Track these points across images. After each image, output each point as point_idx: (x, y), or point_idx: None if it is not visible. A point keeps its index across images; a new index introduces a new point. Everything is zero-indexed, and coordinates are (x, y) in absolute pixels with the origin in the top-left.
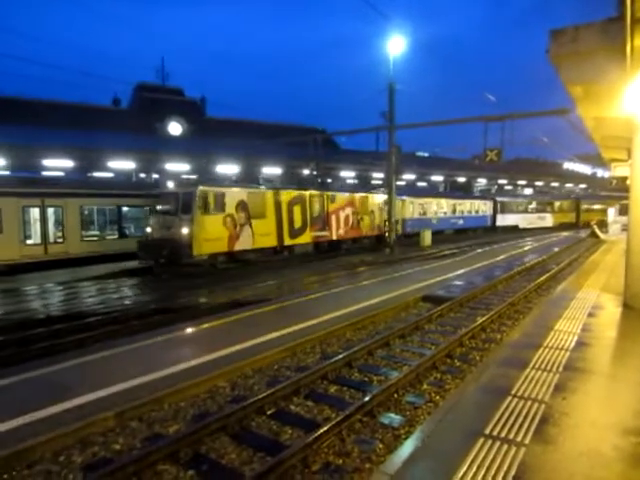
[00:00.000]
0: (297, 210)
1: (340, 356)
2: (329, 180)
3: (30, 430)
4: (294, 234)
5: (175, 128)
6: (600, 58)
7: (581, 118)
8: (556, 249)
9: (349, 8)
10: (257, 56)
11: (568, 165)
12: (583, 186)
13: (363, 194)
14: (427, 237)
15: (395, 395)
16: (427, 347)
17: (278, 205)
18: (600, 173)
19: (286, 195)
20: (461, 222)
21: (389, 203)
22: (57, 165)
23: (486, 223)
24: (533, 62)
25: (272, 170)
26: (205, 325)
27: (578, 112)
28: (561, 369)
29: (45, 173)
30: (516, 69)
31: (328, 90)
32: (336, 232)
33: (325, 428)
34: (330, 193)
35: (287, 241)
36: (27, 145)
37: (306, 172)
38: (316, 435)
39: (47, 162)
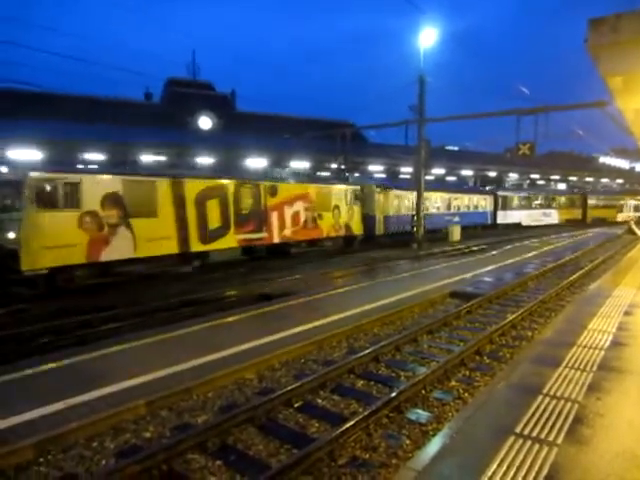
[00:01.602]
0: (213, 205)
1: (367, 351)
2: (356, 174)
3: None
4: (209, 237)
5: (205, 122)
6: None
7: (620, 110)
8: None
9: (380, 1)
10: (287, 50)
11: (604, 159)
12: (620, 181)
13: (322, 185)
14: (456, 232)
15: (423, 391)
16: (455, 343)
17: (180, 199)
18: (638, 168)
19: (193, 185)
20: (457, 219)
21: (417, 198)
22: (93, 159)
23: (486, 220)
24: (569, 53)
25: (300, 164)
26: None
27: (617, 104)
28: (595, 368)
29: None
30: (551, 60)
31: (358, 84)
32: (279, 233)
33: (352, 422)
34: (269, 184)
35: (196, 246)
36: (65, 140)
37: (334, 166)
38: (343, 429)
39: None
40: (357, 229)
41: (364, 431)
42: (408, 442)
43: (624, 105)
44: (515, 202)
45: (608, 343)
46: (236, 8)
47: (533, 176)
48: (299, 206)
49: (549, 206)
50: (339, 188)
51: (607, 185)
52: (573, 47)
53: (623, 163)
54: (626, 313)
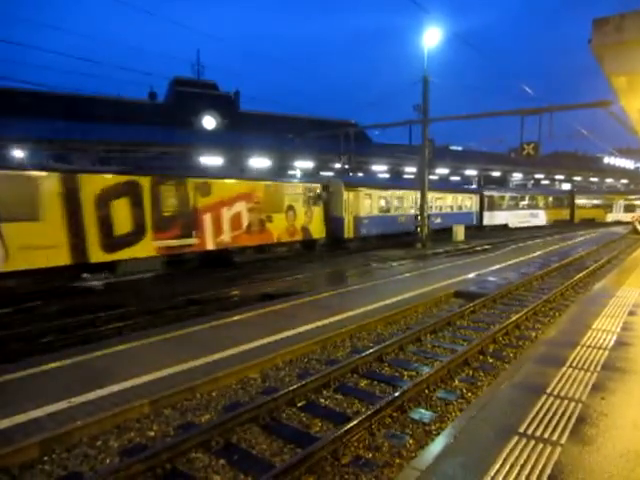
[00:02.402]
0: (122, 206)
1: (371, 350)
2: (360, 174)
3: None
4: (115, 244)
5: (209, 122)
6: None
7: (624, 110)
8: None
9: (383, 1)
10: (291, 49)
11: (609, 159)
12: (624, 181)
13: (271, 182)
14: (460, 232)
15: (426, 391)
16: (459, 343)
17: (73, 198)
18: None
19: (92, 182)
20: (439, 221)
21: (421, 198)
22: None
23: (471, 221)
24: (573, 52)
25: (304, 164)
26: None
27: (621, 104)
28: (599, 368)
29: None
30: (555, 60)
31: (361, 83)
32: (215, 239)
33: (355, 422)
34: (200, 180)
35: (98, 256)
36: (67, 139)
37: (338, 166)
38: (346, 428)
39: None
40: (317, 232)
41: (367, 430)
42: (411, 442)
43: (628, 105)
44: (502, 202)
45: (612, 343)
46: (240, 7)
47: (537, 176)
48: (241, 207)
49: (537, 206)
50: (294, 186)
51: (612, 185)
52: (577, 47)
53: (628, 163)
54: (630, 313)
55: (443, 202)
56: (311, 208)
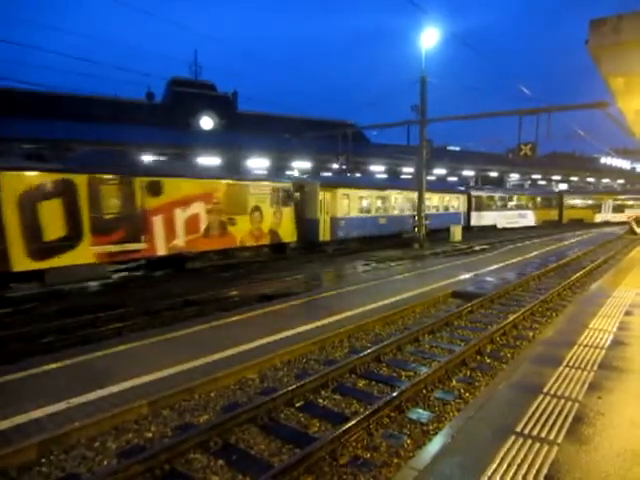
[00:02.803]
0: (53, 207)
1: (369, 350)
2: (358, 174)
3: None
4: (46, 250)
5: (207, 122)
6: None
7: (621, 111)
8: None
9: (381, 1)
10: (288, 51)
11: (605, 160)
12: (621, 181)
13: (233, 182)
14: (457, 233)
15: (424, 391)
16: (457, 343)
17: None
18: (639, 168)
19: (15, 180)
20: (429, 222)
21: (419, 199)
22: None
23: (458, 222)
24: (571, 53)
25: (302, 164)
26: None
27: (618, 105)
28: (596, 368)
29: None
30: (553, 61)
31: (359, 84)
32: (167, 243)
33: (353, 422)
34: (147, 179)
35: (23, 264)
36: (65, 139)
37: (336, 166)
38: (344, 428)
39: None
40: (288, 235)
41: (365, 430)
42: (409, 441)
43: (625, 106)
44: (490, 202)
45: (609, 342)
46: (239, 8)
47: (534, 177)
48: (198, 208)
49: (525, 206)
50: (260, 185)
51: (608, 185)
52: (575, 47)
53: (624, 163)
54: (627, 313)
55: (429, 202)
56: (280, 209)
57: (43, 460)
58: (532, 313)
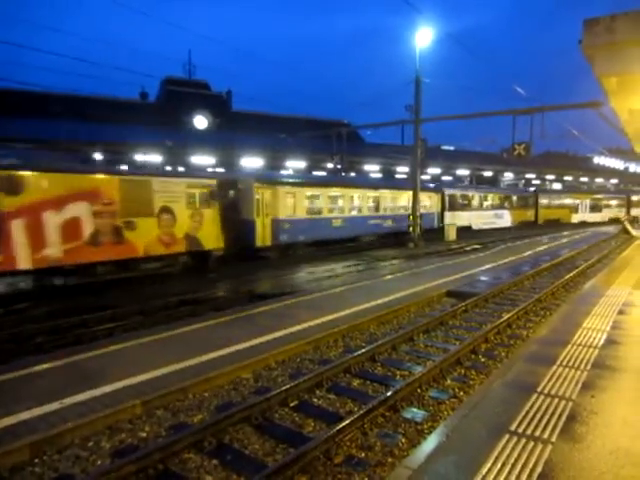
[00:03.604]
0: None
1: (363, 350)
2: (352, 174)
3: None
4: None
5: (201, 122)
6: (638, 48)
7: (614, 111)
8: None
9: (377, 1)
10: (284, 49)
11: (599, 159)
12: (614, 181)
13: (130, 177)
14: (452, 232)
15: (419, 390)
16: (451, 342)
17: None
18: (633, 168)
19: None
20: (389, 223)
21: (414, 198)
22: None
23: (432, 224)
24: (564, 53)
25: (296, 164)
26: None
27: (611, 105)
28: (589, 367)
29: None
30: (546, 61)
31: (354, 84)
32: (33, 254)
33: (348, 421)
34: (3, 173)
35: None
36: (58, 139)
37: (330, 166)
38: (339, 428)
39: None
40: (211, 241)
41: (360, 430)
42: (404, 441)
43: (618, 105)
44: (465, 201)
45: (602, 341)
46: (235, 7)
47: (528, 176)
48: (80, 209)
49: (501, 206)
50: (169, 182)
51: (601, 185)
52: (570, 48)
53: (617, 163)
54: (620, 312)
55: (393, 202)
56: (201, 210)
57: (36, 460)
58: (526, 312)
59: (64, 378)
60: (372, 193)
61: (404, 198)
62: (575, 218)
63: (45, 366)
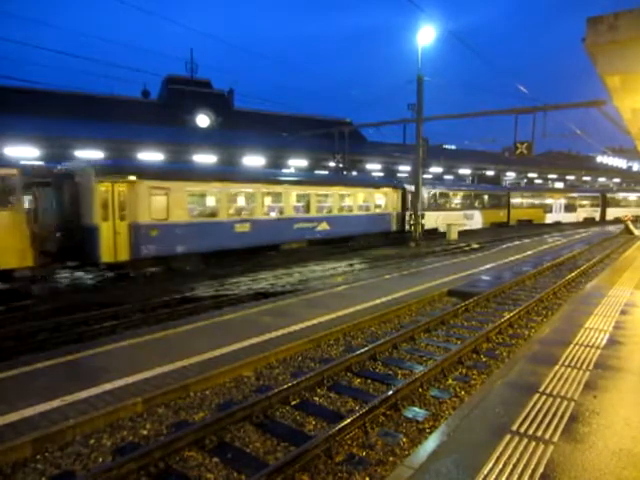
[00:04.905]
0: None
1: (365, 349)
2: (354, 172)
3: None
4: None
5: (203, 120)
6: None
7: (617, 109)
8: None
9: None
10: (286, 49)
11: (601, 158)
12: (617, 180)
13: None
14: (453, 232)
15: (420, 389)
16: (453, 342)
17: None
18: (636, 167)
19: None
20: (324, 227)
21: (415, 197)
22: (88, 157)
23: (387, 226)
24: (567, 52)
25: (298, 162)
26: None
27: (614, 103)
28: (592, 367)
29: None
30: (550, 59)
31: (357, 82)
32: None
33: (349, 420)
34: None
35: None
36: (61, 136)
37: (332, 164)
38: (340, 426)
39: (79, 153)
40: (8, 258)
41: (361, 429)
42: (405, 440)
43: (621, 104)
44: (431, 200)
45: (605, 342)
46: (237, 5)
47: (531, 175)
48: None
49: (471, 206)
50: None
51: (604, 184)
52: (573, 46)
53: (620, 162)
54: (622, 312)
55: (334, 201)
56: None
57: (38, 457)
58: (528, 312)
59: (66, 375)
60: (299, 190)
61: (348, 196)
62: (549, 218)
63: (48, 363)
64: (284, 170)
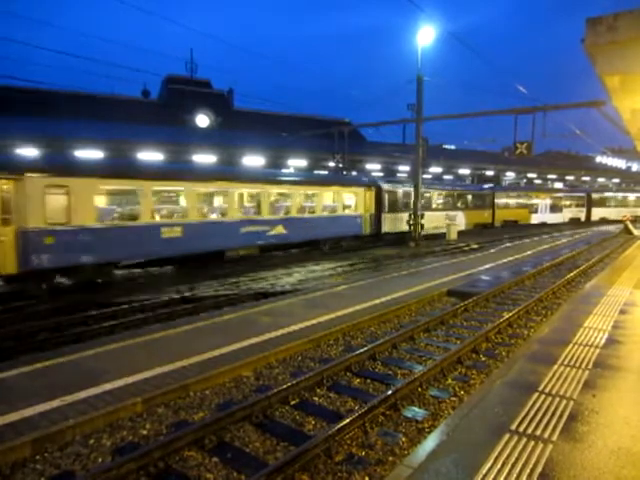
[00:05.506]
0: None
1: (364, 349)
2: (354, 172)
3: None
4: None
5: (202, 120)
6: None
7: (616, 110)
8: None
9: None
10: (286, 48)
11: (601, 159)
12: (616, 180)
13: None
14: (453, 232)
15: (419, 389)
16: (452, 341)
17: None
18: (635, 167)
19: None
20: (279, 231)
21: (415, 197)
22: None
23: (357, 229)
24: (568, 52)
25: (298, 162)
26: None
27: (614, 104)
28: (591, 366)
29: None
30: (550, 59)
31: (356, 82)
32: None
33: (348, 420)
34: None
35: None
36: (60, 137)
37: (332, 165)
38: (339, 426)
39: (78, 153)
40: None
41: (360, 428)
42: (404, 439)
43: (621, 104)
44: (408, 200)
45: (604, 341)
46: (237, 5)
47: (530, 175)
48: None
49: (454, 206)
50: None
51: (603, 184)
52: (572, 47)
53: (619, 162)
54: (622, 312)
55: (294, 201)
56: None
57: (37, 457)
58: (527, 311)
59: (66, 375)
60: (249, 189)
61: (316, 197)
62: (535, 219)
63: (47, 363)
64: (231, 166)
